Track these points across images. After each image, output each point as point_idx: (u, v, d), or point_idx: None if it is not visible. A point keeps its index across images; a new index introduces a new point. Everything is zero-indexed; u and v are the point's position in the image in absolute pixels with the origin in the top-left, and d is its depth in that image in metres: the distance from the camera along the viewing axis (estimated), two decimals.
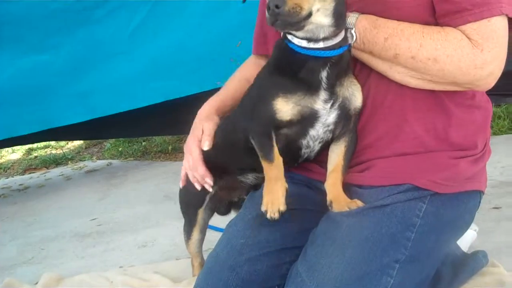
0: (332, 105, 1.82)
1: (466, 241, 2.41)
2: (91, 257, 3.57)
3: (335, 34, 1.76)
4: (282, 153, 1.88)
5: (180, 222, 3.77)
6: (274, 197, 1.86)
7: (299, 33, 1.76)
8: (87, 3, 4.56)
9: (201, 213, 2.34)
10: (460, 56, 1.75)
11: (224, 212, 2.46)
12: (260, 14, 2.33)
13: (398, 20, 1.83)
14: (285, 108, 1.80)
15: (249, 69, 2.31)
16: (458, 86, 1.85)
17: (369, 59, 1.89)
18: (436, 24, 1.84)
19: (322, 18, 1.70)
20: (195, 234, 2.39)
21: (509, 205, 3.13)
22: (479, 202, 2.07)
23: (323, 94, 1.80)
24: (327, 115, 1.83)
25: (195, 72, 4.68)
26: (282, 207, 1.86)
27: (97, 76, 4.77)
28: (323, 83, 1.79)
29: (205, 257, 2.37)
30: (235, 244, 1.97)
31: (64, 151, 7.14)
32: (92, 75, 4.77)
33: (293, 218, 1.99)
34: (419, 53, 1.78)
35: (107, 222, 4.25)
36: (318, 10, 1.67)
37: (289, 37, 1.80)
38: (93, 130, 5.65)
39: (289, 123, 1.83)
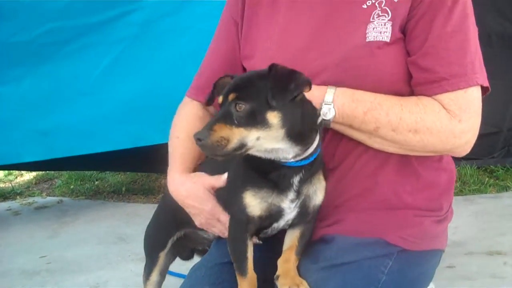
0: (296, 204, 1.82)
1: None
2: None
3: (303, 151, 1.74)
4: None
5: (133, 265, 3.80)
6: None
7: (257, 154, 1.74)
8: (56, 37, 4.44)
9: (162, 256, 2.34)
10: (439, 127, 1.82)
11: (187, 258, 2.46)
12: (212, 57, 2.30)
13: (373, 87, 1.88)
14: (253, 202, 1.79)
15: (196, 125, 2.19)
16: (436, 153, 1.94)
17: (347, 131, 1.92)
18: (410, 91, 1.91)
19: (272, 144, 1.69)
20: (154, 276, 2.37)
21: (462, 264, 3.26)
22: (439, 260, 2.13)
23: (291, 195, 1.80)
24: (290, 213, 1.84)
25: (167, 120, 4.56)
26: None
27: (60, 115, 4.60)
28: (294, 186, 1.79)
29: None
30: None
31: (12, 185, 6.98)
32: (54, 113, 4.61)
33: (256, 267, 2.01)
34: (399, 126, 1.83)
35: (57, 261, 4.17)
36: (258, 139, 1.66)
37: None
38: (46, 162, 5.31)
39: (260, 220, 1.82)
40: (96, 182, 6.59)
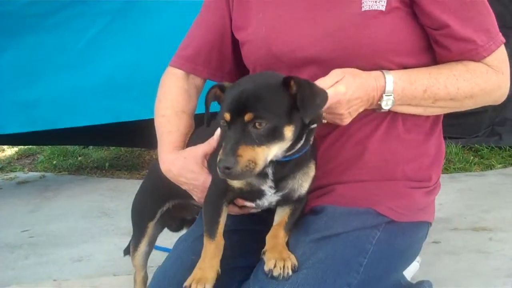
0: (276, 192, 1.82)
1: (410, 271, 2.47)
2: (22, 269, 3.46)
3: (286, 153, 1.72)
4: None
5: (117, 239, 3.77)
6: (202, 277, 1.78)
7: None
8: (40, 8, 4.36)
9: (151, 226, 2.31)
10: (491, 86, 1.94)
11: (176, 229, 2.44)
12: (199, 28, 2.27)
13: (368, 56, 1.88)
14: None
15: (181, 99, 2.22)
16: (482, 106, 2.05)
17: (401, 109, 1.95)
18: (406, 62, 1.93)
19: (275, 156, 1.69)
20: (143, 246, 2.35)
21: (447, 240, 3.28)
22: (427, 233, 2.15)
23: (269, 182, 1.79)
24: (271, 197, 1.83)
25: (152, 96, 4.50)
26: None
27: (42, 87, 4.55)
28: (269, 176, 1.77)
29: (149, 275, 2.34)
30: (186, 260, 1.94)
31: None
32: (37, 85, 4.56)
33: (245, 237, 2.00)
34: (458, 95, 1.92)
35: (39, 235, 4.12)
36: (275, 155, 1.66)
37: None
38: (28, 136, 5.36)
39: (240, 191, 1.82)
40: (79, 158, 6.54)
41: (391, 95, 1.87)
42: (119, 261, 3.34)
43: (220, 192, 1.83)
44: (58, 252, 3.70)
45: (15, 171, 6.28)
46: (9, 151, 7.25)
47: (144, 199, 2.35)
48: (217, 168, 1.56)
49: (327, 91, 1.71)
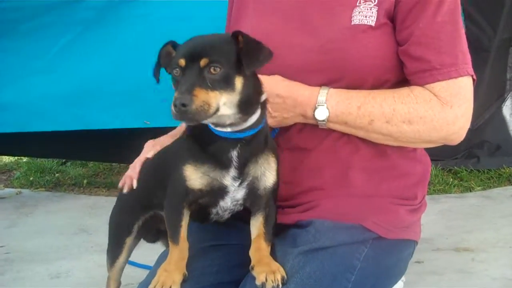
0: (240, 184, 1.80)
1: None
2: None
3: (243, 120, 1.74)
4: (192, 214, 1.85)
5: (96, 255, 3.71)
6: (168, 279, 1.76)
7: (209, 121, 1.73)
8: (14, 15, 4.38)
9: (129, 241, 2.28)
10: (432, 115, 1.86)
11: (152, 240, 2.41)
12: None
13: (355, 70, 1.90)
14: (194, 176, 1.78)
15: None
16: (433, 143, 1.96)
17: (344, 129, 1.93)
18: (393, 79, 1.94)
19: (227, 110, 1.68)
20: (121, 260, 2.31)
21: (430, 260, 3.30)
22: (413, 252, 2.15)
23: (232, 172, 1.78)
24: (235, 192, 1.81)
25: (122, 106, 4.58)
26: None
27: (14, 91, 4.60)
28: (233, 162, 1.77)
29: None
30: None
31: None
32: (8, 89, 4.61)
33: (228, 252, 1.98)
34: (393, 117, 1.86)
35: (16, 251, 4.04)
36: (224, 103, 1.66)
37: None
38: (5, 144, 5.41)
39: (200, 193, 1.80)
40: (56, 175, 6.44)
41: (323, 105, 1.88)
42: (98, 277, 3.29)
43: (179, 195, 1.81)
44: (35, 268, 3.63)
45: None
46: None
47: (120, 214, 2.32)
48: (172, 107, 1.57)
49: None
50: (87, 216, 4.80)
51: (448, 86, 1.85)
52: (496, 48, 5.34)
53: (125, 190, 2.15)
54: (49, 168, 6.65)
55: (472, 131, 5.28)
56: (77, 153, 6.02)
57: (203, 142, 1.78)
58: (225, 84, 1.64)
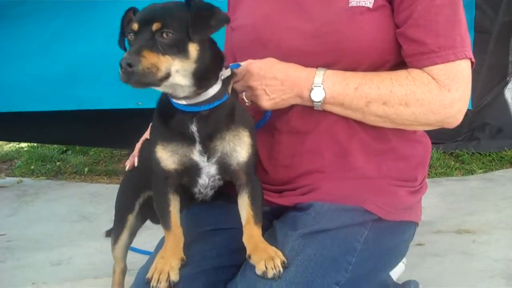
0: (209, 158, 1.80)
1: (395, 272, 2.46)
2: (0, 273, 3.38)
3: (197, 93, 1.73)
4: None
5: (98, 243, 3.71)
6: (165, 265, 1.77)
7: (157, 89, 1.72)
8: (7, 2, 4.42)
9: (131, 219, 2.30)
10: (430, 98, 1.84)
11: (158, 221, 2.41)
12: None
13: (352, 52, 1.89)
14: (164, 156, 1.78)
15: None
16: (430, 126, 1.95)
17: (341, 111, 1.92)
18: (392, 60, 1.92)
19: (180, 78, 1.67)
20: (123, 238, 2.35)
21: (431, 242, 3.29)
22: (413, 234, 2.16)
23: (198, 146, 1.77)
24: (208, 168, 1.82)
25: (115, 87, 4.49)
26: (174, 277, 1.76)
27: (8, 72, 4.69)
28: (195, 136, 1.76)
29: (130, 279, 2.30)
30: None
31: None
32: (3, 71, 4.70)
33: (228, 236, 1.97)
34: (390, 99, 1.85)
35: (17, 239, 4.04)
36: (177, 71, 1.64)
37: None
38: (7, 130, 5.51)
39: (176, 173, 1.80)
40: (58, 163, 6.43)
41: (320, 86, 1.87)
42: (99, 264, 3.31)
43: (161, 181, 1.83)
44: (37, 255, 3.63)
45: None
46: None
47: (123, 192, 2.35)
48: (119, 68, 1.56)
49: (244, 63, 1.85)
50: (88, 204, 4.78)
51: (446, 69, 1.84)
52: (497, 31, 5.29)
53: (127, 168, 2.21)
54: (50, 156, 6.64)
55: (474, 114, 5.29)
56: (76, 138, 6.07)
57: (167, 117, 1.78)
58: (178, 50, 1.62)
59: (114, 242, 2.36)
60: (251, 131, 1.85)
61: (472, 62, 1.90)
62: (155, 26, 1.62)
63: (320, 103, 1.89)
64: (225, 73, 1.80)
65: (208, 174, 1.83)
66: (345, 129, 1.98)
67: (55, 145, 6.99)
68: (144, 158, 2.13)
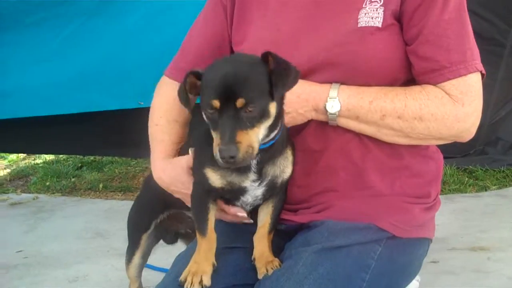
0: (260, 184, 1.84)
1: None
2: None
3: (266, 137, 1.75)
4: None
5: (113, 259, 3.73)
6: (199, 270, 1.82)
7: None
8: (20, 8, 4.52)
9: (145, 238, 2.32)
10: (443, 112, 1.86)
11: (171, 241, 2.44)
12: (199, 40, 2.24)
13: (364, 72, 1.90)
14: (213, 177, 1.81)
15: (175, 109, 2.21)
16: (444, 140, 1.95)
17: (355, 126, 1.93)
18: (403, 78, 1.94)
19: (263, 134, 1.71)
20: (137, 258, 2.36)
21: (446, 259, 3.28)
22: (427, 250, 2.15)
23: (252, 176, 1.81)
24: (255, 190, 1.86)
25: (118, 89, 4.95)
26: (207, 282, 1.81)
27: (19, 79, 4.86)
28: (252, 168, 1.79)
29: None
30: None
31: None
32: (14, 77, 4.86)
33: (244, 254, 1.98)
34: (405, 113, 1.86)
35: (34, 255, 4.07)
36: (262, 133, 1.69)
37: None
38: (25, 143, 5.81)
39: (221, 190, 1.84)
40: (73, 179, 6.48)
41: (335, 98, 1.88)
42: (116, 281, 3.34)
43: (204, 192, 1.86)
44: (53, 272, 3.67)
45: (8, 193, 6.21)
46: (1, 172, 7.19)
47: (139, 210, 2.36)
48: (219, 159, 1.58)
49: None
50: (103, 221, 4.83)
51: (458, 84, 1.85)
52: (511, 43, 5.29)
53: None
54: (65, 172, 6.70)
55: (486, 128, 5.28)
56: (93, 149, 6.31)
57: None
58: (262, 116, 1.64)
59: (128, 261, 2.38)
60: (293, 147, 1.91)
61: (482, 74, 1.92)
62: (239, 103, 1.60)
63: (335, 116, 1.90)
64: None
65: (253, 195, 1.88)
66: (359, 147, 1.98)
67: (70, 161, 7.07)
68: None
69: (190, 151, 1.99)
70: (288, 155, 1.88)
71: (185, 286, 1.78)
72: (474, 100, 1.88)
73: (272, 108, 1.67)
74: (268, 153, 1.80)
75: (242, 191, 1.85)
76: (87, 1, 4.59)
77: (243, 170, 1.78)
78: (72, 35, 4.71)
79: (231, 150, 1.56)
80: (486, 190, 5.00)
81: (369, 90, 1.89)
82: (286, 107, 1.89)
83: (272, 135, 1.76)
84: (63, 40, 4.73)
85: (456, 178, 5.19)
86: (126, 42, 4.70)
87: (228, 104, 1.60)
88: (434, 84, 1.88)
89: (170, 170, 2.09)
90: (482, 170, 5.32)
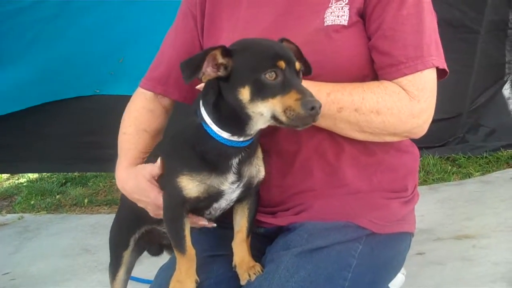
0: (238, 186, 1.83)
1: (396, 284, 2.48)
2: None
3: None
4: None
5: (100, 274, 3.72)
6: None
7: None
8: None
9: (127, 255, 2.29)
10: (400, 107, 1.86)
11: (156, 253, 2.42)
12: (170, 50, 2.26)
13: (332, 71, 1.90)
14: (190, 185, 1.78)
15: (145, 118, 2.23)
16: (397, 136, 1.96)
17: None
18: (371, 75, 1.94)
19: None
20: (121, 275, 2.33)
21: (431, 250, 3.30)
22: (409, 244, 2.15)
23: (231, 177, 1.79)
24: (232, 193, 1.84)
25: (77, 80, 5.31)
26: None
27: None
28: (233, 168, 1.78)
29: None
30: None
31: None
32: None
33: (226, 262, 1.98)
34: (362, 106, 1.86)
35: (21, 277, 4.06)
36: None
37: (207, 121, 1.74)
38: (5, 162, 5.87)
39: (197, 200, 1.81)
40: (57, 196, 6.46)
41: None
42: None
43: (177, 207, 1.82)
44: None
45: None
46: None
47: (117, 229, 2.34)
48: (306, 111, 1.57)
49: None
50: (89, 236, 4.82)
51: (414, 80, 1.86)
52: (485, 31, 5.31)
53: None
54: (50, 190, 6.68)
55: (466, 115, 5.31)
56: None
57: (200, 150, 1.77)
58: None
59: (113, 279, 2.35)
60: (261, 146, 1.91)
61: (445, 71, 1.93)
62: (297, 66, 1.67)
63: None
64: None
65: (228, 199, 1.86)
66: (333, 146, 1.99)
67: (54, 178, 7.03)
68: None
69: (159, 159, 1.96)
70: (259, 154, 1.88)
71: None
72: (429, 97, 1.89)
73: None
74: (249, 151, 1.79)
75: (219, 196, 1.83)
76: (47, 5, 4.82)
77: (221, 171, 1.77)
78: (35, 39, 4.94)
79: (316, 101, 1.58)
80: (469, 177, 5.02)
81: (326, 83, 1.89)
82: None
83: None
84: (27, 43, 4.96)
85: (439, 167, 5.21)
86: (83, 38, 4.99)
87: (290, 66, 1.64)
88: (392, 79, 1.89)
89: (132, 179, 2.06)
90: (464, 157, 5.35)
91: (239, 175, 1.81)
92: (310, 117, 1.59)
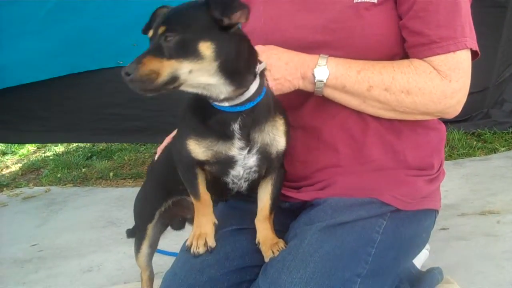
0: (249, 151, 1.80)
1: (419, 259, 2.48)
2: (33, 283, 3.46)
3: (239, 93, 1.69)
4: (210, 187, 1.88)
5: (126, 247, 3.76)
6: (202, 231, 1.87)
7: (190, 90, 1.69)
8: None
9: (151, 228, 2.31)
10: (431, 87, 1.85)
11: (178, 228, 2.44)
12: None
13: (361, 48, 1.90)
14: (197, 150, 1.77)
15: None
16: (429, 115, 1.95)
17: (341, 97, 1.92)
18: (401, 53, 1.93)
19: (202, 79, 1.63)
20: (144, 248, 2.36)
21: (455, 226, 3.28)
22: (434, 221, 2.15)
23: (237, 143, 1.77)
24: (246, 160, 1.81)
25: (100, 51, 5.44)
26: (211, 243, 1.87)
27: (7, 51, 5.17)
28: (236, 134, 1.75)
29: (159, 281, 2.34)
30: (194, 263, 1.93)
31: None
32: (4, 51, 5.16)
33: (252, 236, 1.99)
34: (392, 85, 1.86)
35: (48, 248, 4.12)
36: (190, 72, 1.60)
37: None
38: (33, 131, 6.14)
39: (207, 162, 1.81)
40: (83, 170, 6.54)
41: (324, 65, 1.87)
42: (129, 269, 3.37)
43: (189, 165, 1.84)
44: (68, 264, 3.71)
45: (20, 187, 6.26)
46: (13, 167, 7.25)
47: (142, 201, 2.36)
48: (124, 76, 1.54)
49: None
50: (115, 209, 4.87)
51: (447, 60, 1.85)
52: None
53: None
54: (76, 163, 6.76)
55: (492, 90, 5.24)
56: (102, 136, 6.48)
57: (203, 116, 1.76)
58: (185, 51, 1.58)
59: (137, 251, 2.38)
60: (286, 118, 1.87)
61: (477, 53, 1.90)
62: (160, 30, 1.59)
63: (322, 84, 1.88)
64: (260, 66, 1.76)
65: (245, 166, 1.83)
66: (358, 122, 1.98)
67: (79, 151, 7.11)
68: (165, 164, 2.12)
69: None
70: (278, 124, 1.83)
71: (191, 250, 1.85)
72: (462, 77, 1.87)
73: (205, 47, 1.59)
74: (250, 117, 1.75)
75: (231, 161, 1.80)
76: None
77: (227, 136, 1.75)
78: (54, 9, 4.94)
79: (129, 68, 1.53)
80: (495, 153, 4.98)
81: (357, 61, 1.89)
82: (275, 73, 1.89)
83: (248, 94, 1.71)
84: (46, 13, 4.96)
85: (464, 143, 5.17)
86: (105, 10, 5.02)
87: (156, 33, 1.60)
88: (423, 58, 1.87)
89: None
90: (490, 133, 5.30)
91: (247, 141, 1.78)
92: (126, 81, 1.55)
